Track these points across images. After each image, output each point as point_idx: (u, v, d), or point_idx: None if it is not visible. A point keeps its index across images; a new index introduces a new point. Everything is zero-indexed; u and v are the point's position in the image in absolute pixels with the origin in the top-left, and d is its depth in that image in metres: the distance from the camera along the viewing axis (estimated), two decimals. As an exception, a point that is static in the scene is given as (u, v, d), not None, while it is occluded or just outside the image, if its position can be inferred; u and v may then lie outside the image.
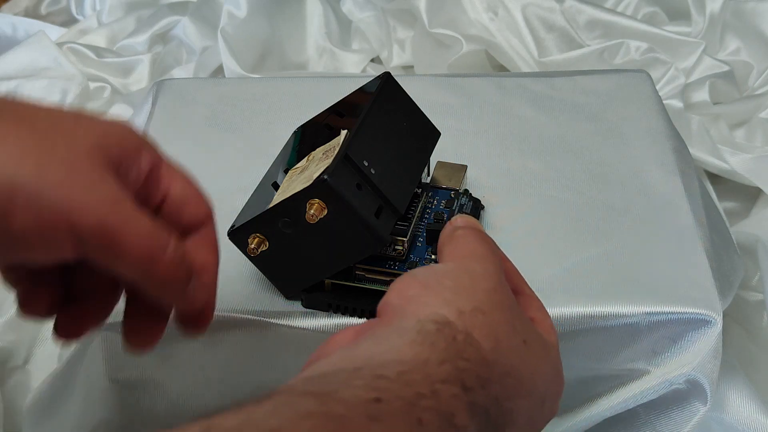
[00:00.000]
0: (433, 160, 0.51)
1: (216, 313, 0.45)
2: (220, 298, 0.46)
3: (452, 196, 0.50)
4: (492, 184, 0.54)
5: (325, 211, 0.42)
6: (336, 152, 0.43)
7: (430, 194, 0.50)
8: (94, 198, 0.28)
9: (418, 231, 0.48)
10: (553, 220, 0.52)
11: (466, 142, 0.57)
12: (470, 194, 0.51)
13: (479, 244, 0.36)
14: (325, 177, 0.41)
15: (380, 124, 0.46)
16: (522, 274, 0.45)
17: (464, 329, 0.31)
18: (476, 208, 0.51)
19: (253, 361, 0.48)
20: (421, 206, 0.49)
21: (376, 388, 0.26)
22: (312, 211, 0.42)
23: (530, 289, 0.39)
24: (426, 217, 0.49)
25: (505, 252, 0.49)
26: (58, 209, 0.27)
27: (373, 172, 0.43)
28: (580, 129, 0.59)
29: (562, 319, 0.47)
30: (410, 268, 0.46)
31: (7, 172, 0.27)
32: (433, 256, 0.47)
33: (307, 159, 0.46)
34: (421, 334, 0.30)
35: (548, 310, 0.45)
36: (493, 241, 0.38)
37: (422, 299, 0.32)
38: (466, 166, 0.52)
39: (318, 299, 0.47)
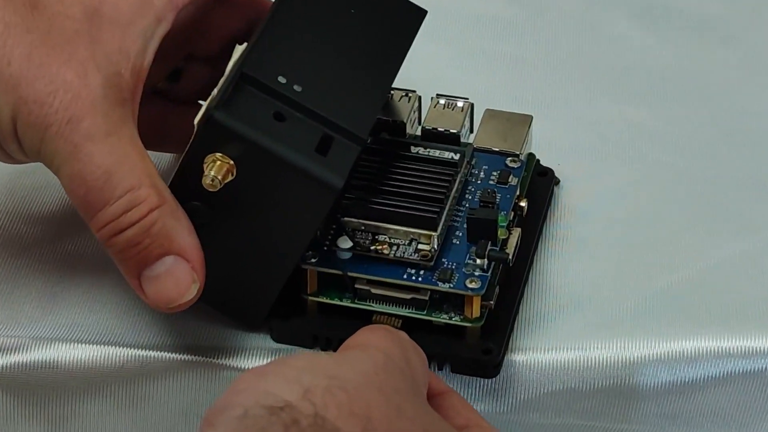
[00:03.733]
0: (480, 106, 0.44)
1: (142, 351, 0.40)
2: (151, 332, 0.41)
3: (509, 164, 0.43)
4: (570, 145, 0.48)
5: (234, 168, 0.35)
6: (227, 74, 0.37)
7: (473, 161, 0.43)
8: None
9: (455, 220, 0.40)
10: (664, 202, 0.45)
11: (529, 80, 0.51)
12: (537, 161, 0.45)
13: (378, 336, 0.35)
14: (212, 112, 0.34)
15: (305, 17, 0.40)
16: (611, 293, 0.40)
17: (312, 411, 0.30)
18: (545, 186, 0.44)
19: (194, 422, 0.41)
20: (460, 181, 0.41)
21: None
22: (213, 173, 0.35)
23: (487, 423, 0.37)
24: (468, 199, 0.41)
25: (588, 259, 0.43)
26: None
27: (297, 89, 0.37)
28: (709, 58, 0.53)
29: (678, 359, 0.39)
30: (441, 280, 0.38)
31: None
32: (477, 261, 0.38)
33: None
34: (244, 425, 0.29)
35: (653, 344, 0.39)
36: (411, 346, 0.35)
37: (255, 387, 0.31)
38: (531, 117, 0.45)
39: (295, 330, 0.39)
